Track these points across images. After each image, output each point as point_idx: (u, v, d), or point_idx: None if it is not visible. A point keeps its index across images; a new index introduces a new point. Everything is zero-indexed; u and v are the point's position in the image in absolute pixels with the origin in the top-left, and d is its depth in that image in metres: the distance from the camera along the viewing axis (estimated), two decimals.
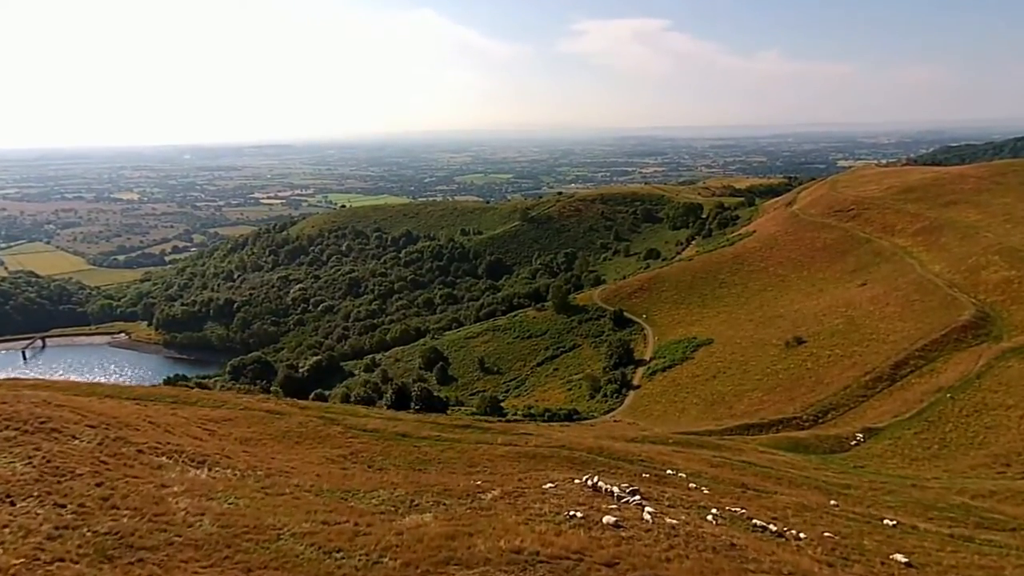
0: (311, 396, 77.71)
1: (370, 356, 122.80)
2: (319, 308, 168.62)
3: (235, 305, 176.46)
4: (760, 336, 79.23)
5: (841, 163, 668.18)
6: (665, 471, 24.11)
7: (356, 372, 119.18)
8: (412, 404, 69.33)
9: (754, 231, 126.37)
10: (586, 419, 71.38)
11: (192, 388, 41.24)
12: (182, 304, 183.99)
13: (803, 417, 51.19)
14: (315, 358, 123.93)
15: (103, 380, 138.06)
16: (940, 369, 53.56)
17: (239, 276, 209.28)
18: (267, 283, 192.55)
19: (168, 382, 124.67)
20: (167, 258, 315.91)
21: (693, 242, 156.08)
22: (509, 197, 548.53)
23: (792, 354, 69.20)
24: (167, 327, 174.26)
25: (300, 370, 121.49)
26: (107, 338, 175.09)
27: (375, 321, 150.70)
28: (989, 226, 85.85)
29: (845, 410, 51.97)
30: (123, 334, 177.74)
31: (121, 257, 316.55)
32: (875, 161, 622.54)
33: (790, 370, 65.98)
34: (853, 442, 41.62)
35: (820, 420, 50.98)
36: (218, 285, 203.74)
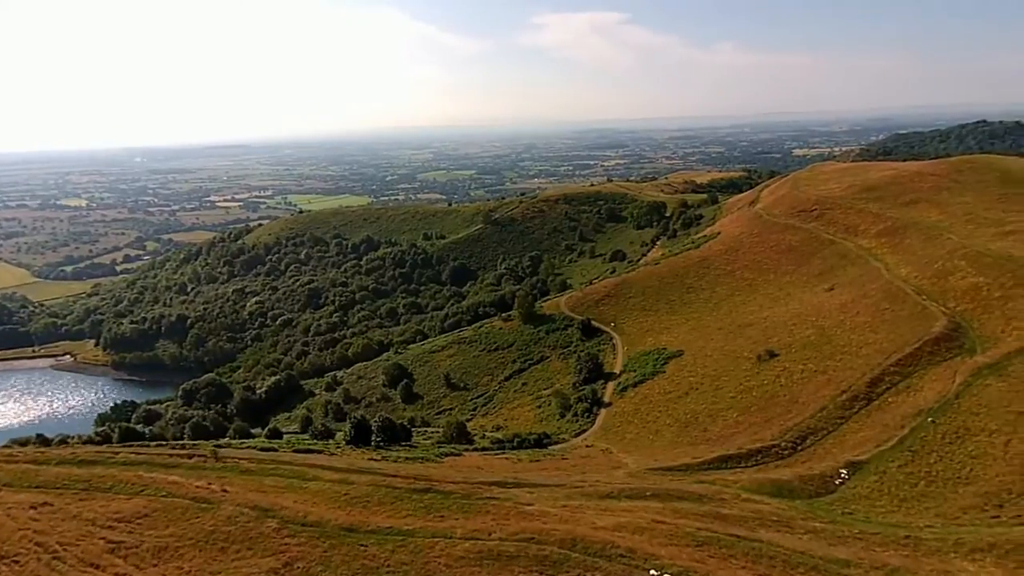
0: (266, 431, 73.10)
1: (331, 374, 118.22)
2: (277, 322, 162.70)
3: (188, 321, 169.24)
4: (731, 348, 77.52)
5: (797, 152, 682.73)
6: (649, 572, 21.31)
7: (317, 391, 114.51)
8: (373, 437, 65.35)
9: (719, 232, 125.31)
10: (557, 444, 68.64)
11: (116, 458, 36.84)
12: (131, 321, 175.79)
13: (782, 445, 49.19)
14: (273, 378, 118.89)
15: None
16: (916, 387, 52.18)
17: (193, 289, 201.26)
18: (222, 296, 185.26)
19: (115, 409, 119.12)
20: (118, 267, 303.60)
21: (658, 243, 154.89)
22: (472, 194, 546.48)
23: (765, 369, 67.52)
24: (116, 347, 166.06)
25: (258, 391, 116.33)
26: (50, 360, 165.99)
27: (336, 335, 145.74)
28: (951, 227, 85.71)
29: (824, 434, 50.16)
30: (68, 356, 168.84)
31: (69, 268, 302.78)
32: (829, 149, 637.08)
33: (763, 387, 64.23)
34: (838, 480, 39.61)
35: (799, 447, 49.04)
36: (170, 299, 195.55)
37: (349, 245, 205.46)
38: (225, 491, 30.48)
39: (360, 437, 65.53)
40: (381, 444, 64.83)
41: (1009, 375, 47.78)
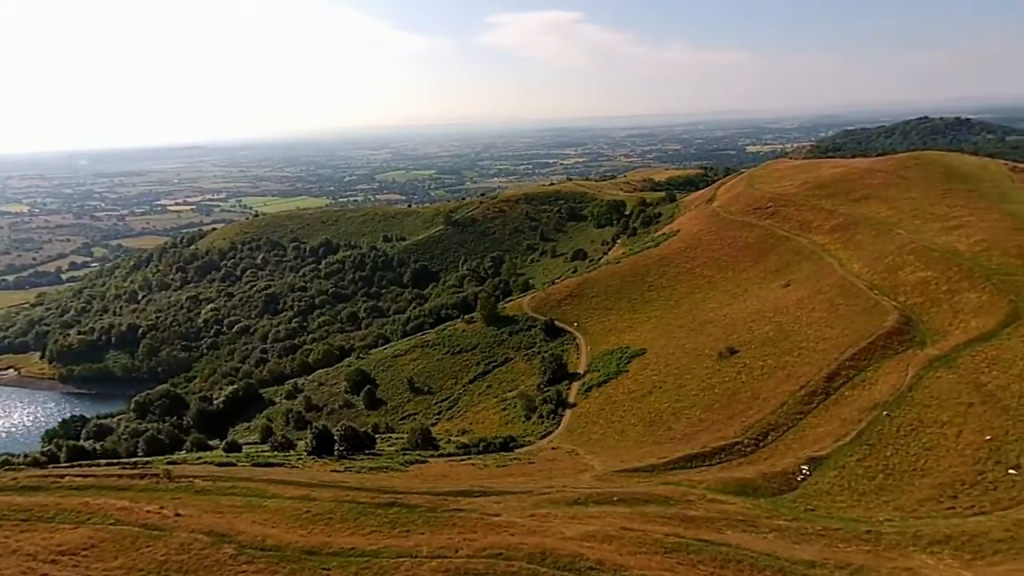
0: (224, 444, 70.83)
1: (292, 382, 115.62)
2: (234, 329, 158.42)
3: (140, 330, 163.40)
4: (692, 345, 78.47)
5: (750, 149, 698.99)
6: None
7: (277, 400, 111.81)
8: (336, 447, 63.93)
9: (678, 230, 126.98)
10: (523, 446, 68.32)
11: (61, 482, 34.92)
12: (79, 332, 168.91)
13: (744, 442, 49.87)
14: (231, 387, 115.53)
15: None
16: (871, 380, 53.54)
17: (144, 297, 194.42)
18: (175, 304, 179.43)
19: (64, 425, 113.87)
20: (64, 275, 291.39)
21: (619, 241, 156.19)
22: (432, 194, 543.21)
23: (726, 366, 68.50)
24: (63, 359, 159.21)
25: (215, 402, 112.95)
26: None
27: (296, 341, 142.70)
28: (900, 222, 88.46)
29: (784, 430, 51.04)
30: (11, 370, 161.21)
31: (11, 277, 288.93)
32: (781, 145, 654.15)
33: (725, 384, 65.14)
34: (800, 477, 40.30)
35: (761, 443, 49.79)
36: (120, 308, 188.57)
37: (307, 248, 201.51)
38: (178, 515, 29.14)
39: (322, 447, 64.01)
40: (344, 454, 63.44)
41: (958, 367, 49.39)
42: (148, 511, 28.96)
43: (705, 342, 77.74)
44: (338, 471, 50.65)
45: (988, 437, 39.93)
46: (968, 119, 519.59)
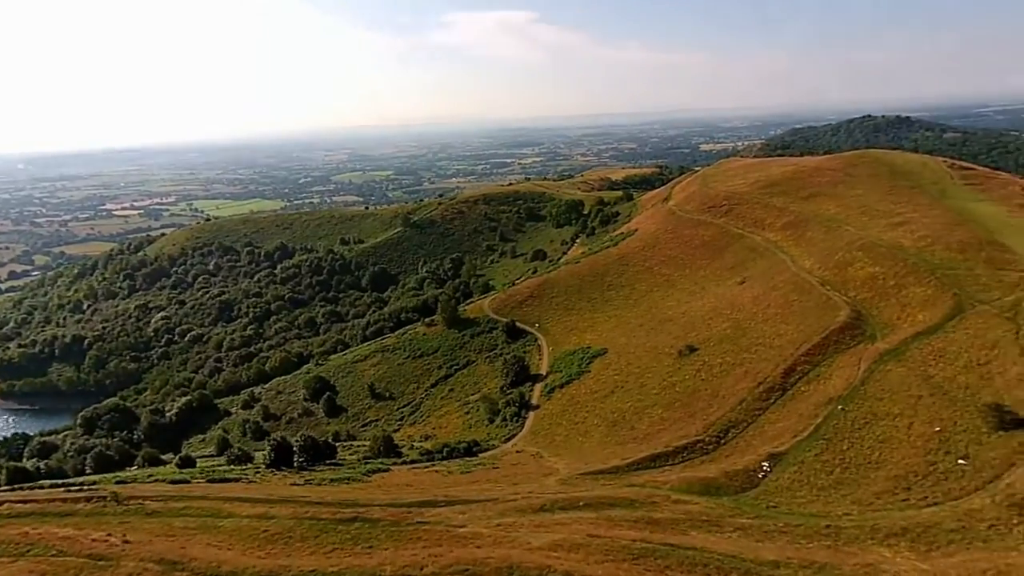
0: (177, 459, 68.38)
1: (248, 391, 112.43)
2: (186, 338, 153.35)
3: (86, 342, 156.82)
4: (653, 343, 79.29)
5: (704, 147, 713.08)
6: None
7: (233, 410, 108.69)
8: (296, 458, 62.34)
9: (636, 229, 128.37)
10: (487, 450, 67.90)
11: None
12: (20, 345, 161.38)
13: (706, 440, 50.53)
14: (184, 399, 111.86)
15: None
16: (826, 375, 54.87)
17: (89, 307, 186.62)
18: (123, 313, 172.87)
19: (4, 444, 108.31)
20: (3, 285, 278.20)
21: (578, 241, 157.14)
22: (390, 195, 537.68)
23: (686, 364, 69.38)
24: (2, 374, 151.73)
25: (167, 414, 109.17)
26: None
27: (252, 349, 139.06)
28: (848, 219, 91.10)
29: (744, 427, 51.91)
30: None
31: None
32: (733, 144, 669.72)
33: (686, 382, 65.94)
34: (761, 474, 40.99)
35: (722, 441, 50.52)
36: (64, 319, 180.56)
37: (262, 253, 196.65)
38: (127, 542, 27.70)
39: (281, 459, 62.33)
40: (304, 465, 61.96)
41: (907, 360, 50.99)
42: (94, 539, 27.47)
43: (665, 340, 78.64)
44: (298, 484, 49.35)
45: (938, 428, 41.27)
46: (908, 117, 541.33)
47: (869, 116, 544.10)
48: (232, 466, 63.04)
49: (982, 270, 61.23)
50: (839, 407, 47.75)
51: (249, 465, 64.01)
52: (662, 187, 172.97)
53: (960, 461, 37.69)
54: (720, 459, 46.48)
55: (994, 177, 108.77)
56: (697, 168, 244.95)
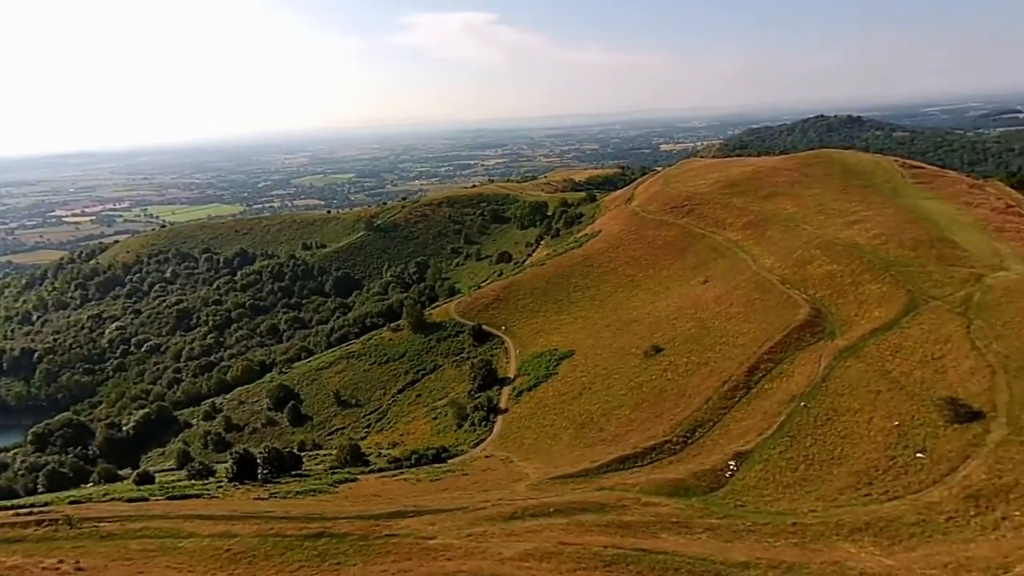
0: (135, 475, 66.06)
1: (209, 401, 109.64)
2: (143, 349, 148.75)
3: (36, 355, 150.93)
4: (619, 344, 79.79)
5: (664, 147, 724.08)
6: None
7: (194, 422, 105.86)
8: (259, 470, 60.77)
9: (600, 230, 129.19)
10: (456, 456, 67.35)
11: None
12: None
13: (673, 440, 51.01)
14: (142, 411, 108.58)
15: None
16: (788, 372, 55.95)
17: (39, 318, 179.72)
18: (75, 324, 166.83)
19: None
20: None
21: (542, 242, 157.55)
22: (352, 198, 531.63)
23: (652, 364, 69.98)
24: None
25: (124, 428, 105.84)
26: None
27: (212, 358, 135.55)
28: (805, 218, 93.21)
29: (711, 426, 52.56)
30: None
31: None
32: (692, 144, 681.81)
33: (652, 382, 66.51)
34: (728, 473, 41.55)
35: (689, 440, 51.06)
36: (12, 331, 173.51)
37: (221, 259, 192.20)
38: (80, 569, 26.42)
39: (244, 472, 60.61)
40: (269, 477, 60.49)
41: (865, 356, 52.32)
42: (44, 567, 26.16)
43: (631, 341, 79.21)
44: (262, 498, 48.05)
45: (896, 423, 42.40)
46: (859, 117, 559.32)
47: (822, 116, 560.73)
48: (193, 481, 61.08)
49: (934, 266, 63.24)
50: (802, 404, 48.72)
51: (211, 479, 62.15)
52: (625, 188, 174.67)
53: (918, 455, 38.77)
54: (688, 459, 46.95)
55: (942, 175, 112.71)
56: (658, 168, 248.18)
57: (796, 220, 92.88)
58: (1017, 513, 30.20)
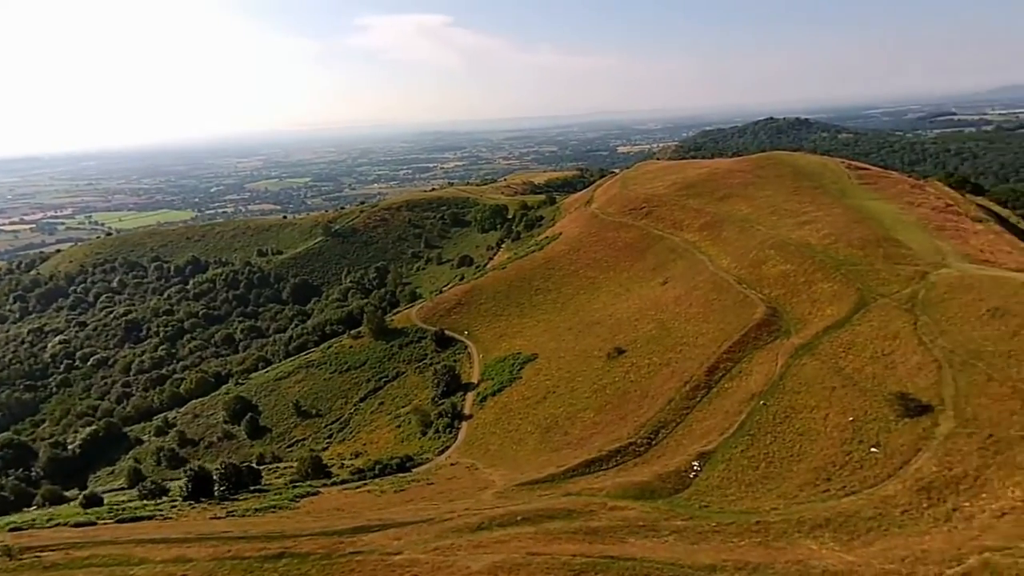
0: (82, 497, 63.19)
1: (162, 416, 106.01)
2: (89, 363, 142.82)
3: None
4: (582, 347, 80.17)
5: (621, 149, 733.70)
6: None
7: (145, 438, 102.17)
8: (216, 487, 58.88)
9: (560, 233, 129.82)
10: (421, 465, 66.58)
11: None
12: None
13: (638, 442, 51.40)
14: (89, 429, 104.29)
15: None
16: (747, 371, 56.99)
17: None
18: (15, 339, 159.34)
19: None
20: None
21: (503, 245, 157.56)
22: (309, 202, 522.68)
23: (615, 366, 70.50)
24: None
25: (70, 447, 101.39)
26: None
27: (164, 371, 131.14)
28: (759, 218, 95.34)
29: (674, 426, 53.15)
30: None
31: None
32: (648, 145, 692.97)
33: (616, 384, 66.98)
34: (692, 474, 42.01)
35: (653, 442, 51.53)
36: None
37: (172, 268, 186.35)
38: None
39: (200, 490, 58.65)
40: (226, 494, 58.68)
41: (820, 353, 53.68)
42: None
43: (594, 343, 79.68)
44: (219, 517, 46.53)
45: (851, 418, 43.58)
46: (807, 119, 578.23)
47: (772, 118, 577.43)
48: (145, 502, 58.80)
49: (881, 265, 65.31)
50: (761, 402, 49.68)
51: (164, 499, 59.95)
52: (584, 190, 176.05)
53: (872, 449, 39.89)
54: (653, 460, 47.34)
55: (885, 176, 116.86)
56: (616, 170, 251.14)
57: (751, 221, 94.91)
58: (967, 504, 31.34)
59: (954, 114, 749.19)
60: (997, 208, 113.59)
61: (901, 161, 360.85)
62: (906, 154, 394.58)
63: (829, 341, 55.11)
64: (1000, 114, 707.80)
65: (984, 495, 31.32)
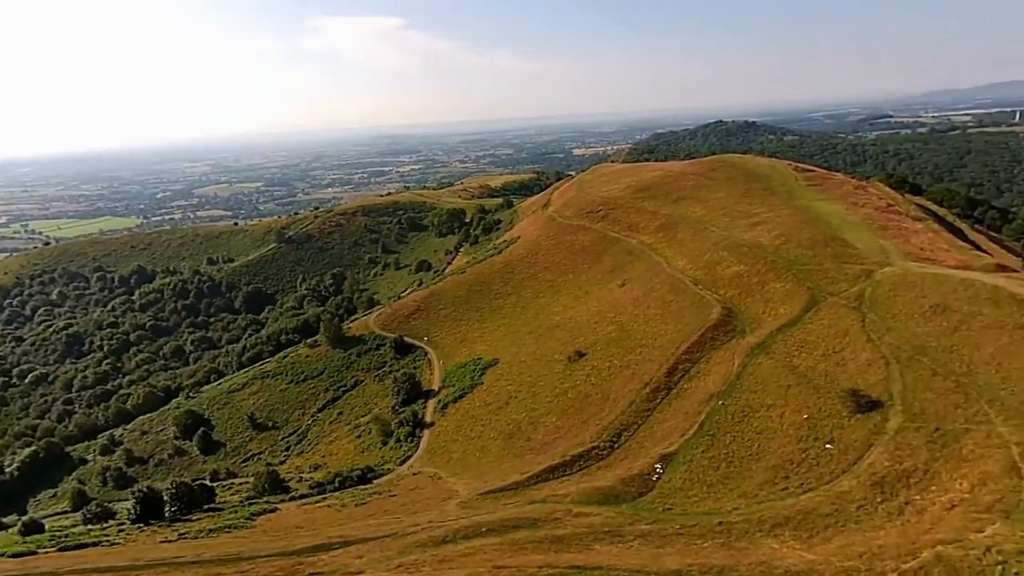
0: (21, 524, 59.88)
1: (107, 434, 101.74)
2: (27, 380, 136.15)
3: None
4: (542, 351, 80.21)
5: (576, 152, 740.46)
6: None
7: (90, 458, 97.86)
8: (167, 508, 56.63)
9: (518, 236, 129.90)
10: (382, 475, 65.46)
11: None
12: None
13: (600, 446, 51.60)
14: (28, 450, 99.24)
15: None
16: (705, 371, 57.89)
17: None
18: None
19: None
20: None
21: (461, 249, 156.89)
22: (261, 208, 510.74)
23: (576, 369, 70.74)
24: None
25: (7, 469, 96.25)
26: None
27: (109, 386, 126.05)
28: (712, 220, 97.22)
29: (635, 429, 53.55)
30: None
31: None
32: (603, 148, 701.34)
33: (577, 387, 67.19)
34: (655, 477, 42.33)
35: (616, 445, 51.80)
36: None
37: (116, 278, 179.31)
38: None
39: (149, 512, 56.36)
40: (178, 515, 56.50)
41: (774, 352, 54.88)
42: None
43: (554, 347, 79.80)
44: (170, 541, 44.68)
45: (806, 416, 44.64)
46: (754, 122, 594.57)
47: (721, 121, 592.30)
48: (90, 527, 56.11)
49: (830, 264, 67.29)
50: (720, 402, 50.47)
51: (111, 522, 57.37)
52: (541, 193, 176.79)
53: (827, 446, 40.92)
54: (616, 464, 47.55)
55: (830, 178, 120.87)
56: (572, 173, 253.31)
57: (704, 222, 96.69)
58: (917, 497, 32.39)
59: (891, 116, 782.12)
60: (934, 207, 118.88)
61: (844, 162, 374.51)
62: (848, 155, 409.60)
63: (783, 340, 56.40)
64: (933, 116, 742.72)
65: (933, 488, 32.43)
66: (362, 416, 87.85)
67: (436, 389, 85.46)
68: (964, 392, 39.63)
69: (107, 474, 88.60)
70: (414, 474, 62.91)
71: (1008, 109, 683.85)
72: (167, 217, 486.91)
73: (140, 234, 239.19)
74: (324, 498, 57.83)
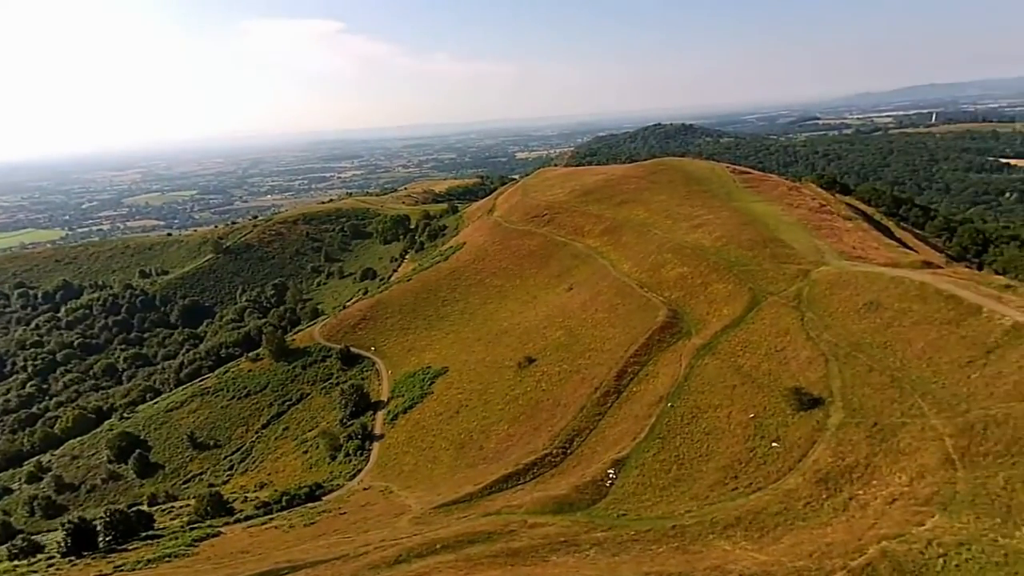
0: None
1: (34, 460, 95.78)
2: None
3: None
4: (492, 358, 79.86)
5: (519, 155, 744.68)
6: None
7: (14, 487, 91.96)
8: (101, 538, 53.42)
9: (464, 242, 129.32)
10: (331, 492, 63.69)
11: None
12: None
13: (553, 452, 51.58)
14: None
15: None
16: (653, 373, 58.71)
17: None
18: None
19: None
20: None
21: (407, 257, 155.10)
22: (196, 217, 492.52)
23: (526, 376, 70.66)
24: None
25: None
26: None
27: (34, 409, 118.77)
28: (655, 223, 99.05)
29: (587, 434, 53.79)
30: None
31: None
32: (546, 151, 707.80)
33: (528, 394, 67.08)
34: (608, 483, 42.51)
35: (568, 451, 51.88)
36: None
37: (39, 294, 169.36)
38: None
39: (82, 543, 52.95)
40: (113, 545, 53.37)
41: (719, 353, 56.14)
42: None
43: (504, 353, 79.58)
44: (106, 574, 42.15)
45: (752, 415, 45.75)
46: (692, 125, 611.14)
47: (659, 124, 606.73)
48: (16, 562, 52.31)
49: (769, 265, 69.38)
50: (668, 404, 51.21)
51: (40, 556, 53.64)
52: (486, 198, 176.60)
53: (773, 444, 42.00)
54: (569, 471, 47.59)
55: (767, 179, 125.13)
56: (516, 177, 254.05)
57: (648, 225, 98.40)
58: (860, 492, 33.52)
59: (819, 119, 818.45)
60: (863, 206, 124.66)
61: (777, 163, 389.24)
62: (781, 156, 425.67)
63: (727, 340, 57.74)
64: (857, 119, 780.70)
65: (875, 482, 33.63)
66: (309, 431, 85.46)
67: (385, 400, 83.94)
68: (899, 386, 41.34)
69: (35, 503, 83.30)
70: (365, 489, 61.45)
71: (925, 111, 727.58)
72: (95, 228, 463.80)
73: (65, 247, 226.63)
74: (271, 519, 55.78)
